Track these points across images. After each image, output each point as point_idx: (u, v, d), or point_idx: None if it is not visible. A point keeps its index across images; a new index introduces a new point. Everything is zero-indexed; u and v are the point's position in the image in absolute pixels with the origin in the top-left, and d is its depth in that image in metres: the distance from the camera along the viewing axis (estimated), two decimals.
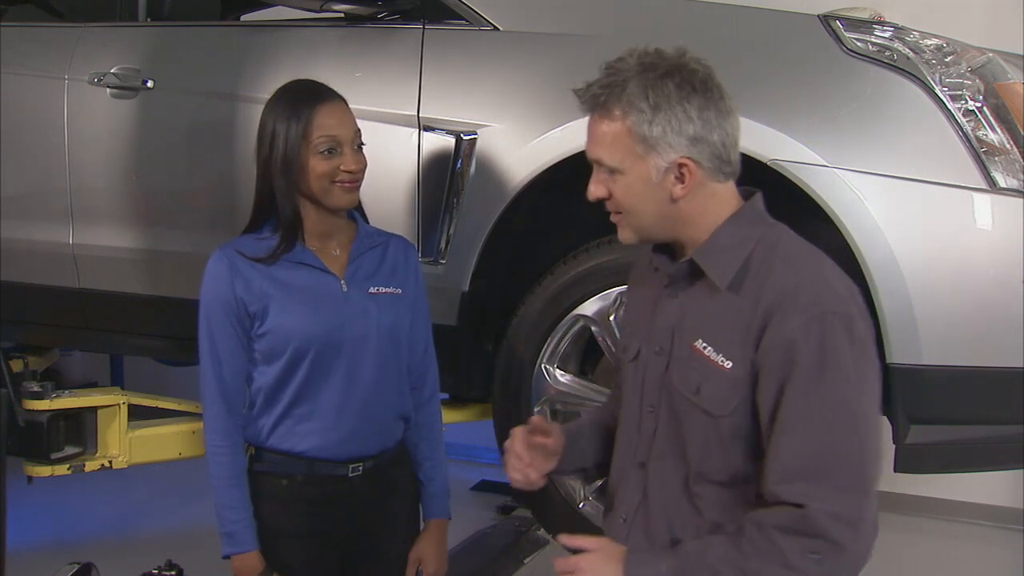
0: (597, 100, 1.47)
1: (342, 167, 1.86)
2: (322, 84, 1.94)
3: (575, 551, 1.49)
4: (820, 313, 1.37)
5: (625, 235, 1.53)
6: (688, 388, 1.48)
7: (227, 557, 1.88)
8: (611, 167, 1.47)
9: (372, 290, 1.93)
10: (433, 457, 2.07)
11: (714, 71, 1.47)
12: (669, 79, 1.43)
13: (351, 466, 1.92)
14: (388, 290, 1.95)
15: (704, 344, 1.46)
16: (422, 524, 2.09)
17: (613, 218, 1.53)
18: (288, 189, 1.86)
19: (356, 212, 2.00)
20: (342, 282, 1.91)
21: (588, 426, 1.78)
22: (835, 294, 1.40)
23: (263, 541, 1.89)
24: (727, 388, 1.43)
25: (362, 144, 1.91)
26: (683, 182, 1.45)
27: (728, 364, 1.43)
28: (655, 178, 1.45)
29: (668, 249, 1.55)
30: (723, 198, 1.49)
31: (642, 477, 1.56)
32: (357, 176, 1.88)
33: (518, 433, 1.66)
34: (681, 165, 1.44)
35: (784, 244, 1.47)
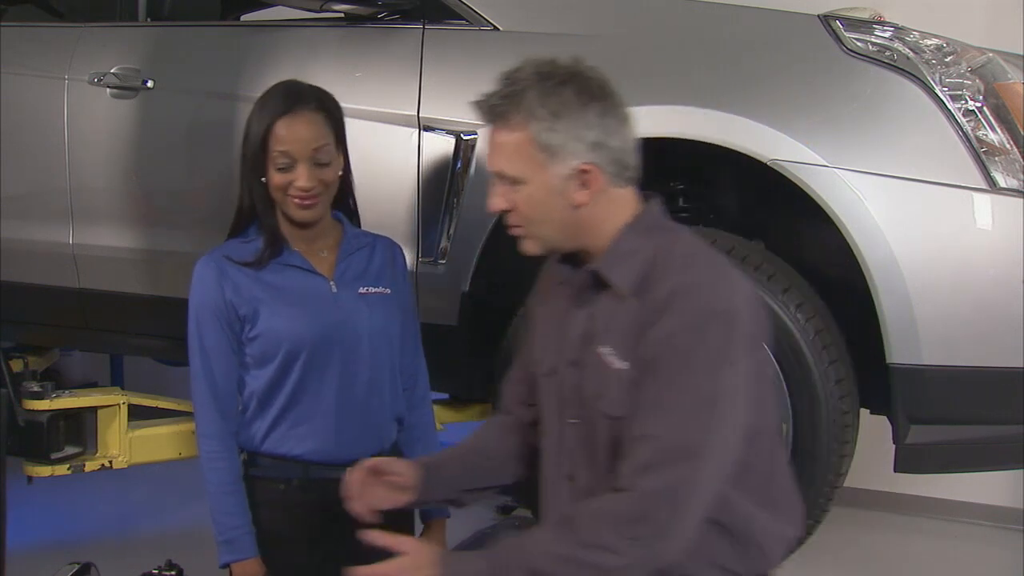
0: (496, 111, 1.47)
1: (294, 183, 1.83)
2: (301, 90, 1.90)
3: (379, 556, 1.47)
4: (701, 311, 1.38)
5: (529, 246, 1.52)
6: (593, 395, 1.48)
7: (225, 565, 1.87)
8: (513, 177, 1.47)
9: (362, 290, 1.93)
10: None
11: (608, 79, 1.48)
12: (567, 87, 1.44)
13: (348, 469, 1.91)
14: (377, 290, 1.95)
15: (607, 350, 1.46)
16: (417, 524, 2.07)
17: (514, 231, 1.53)
18: (262, 194, 1.86)
19: (341, 213, 1.99)
20: (331, 283, 1.91)
21: (451, 457, 1.76)
22: (721, 294, 1.40)
23: (261, 547, 1.88)
24: (624, 390, 1.43)
25: (324, 163, 1.85)
26: (586, 188, 1.45)
27: (624, 366, 1.43)
28: (557, 186, 1.45)
29: (572, 259, 1.54)
30: (623, 203, 1.50)
31: (571, 489, 1.56)
32: (311, 193, 1.85)
33: (357, 469, 1.66)
34: (583, 171, 1.44)
35: (681, 247, 1.47)
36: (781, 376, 2.23)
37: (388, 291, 1.96)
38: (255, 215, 1.89)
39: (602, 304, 1.49)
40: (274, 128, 1.83)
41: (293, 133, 1.84)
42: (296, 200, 1.85)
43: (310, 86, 1.93)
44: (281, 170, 1.83)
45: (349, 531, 1.92)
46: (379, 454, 1.95)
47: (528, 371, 1.68)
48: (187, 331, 1.89)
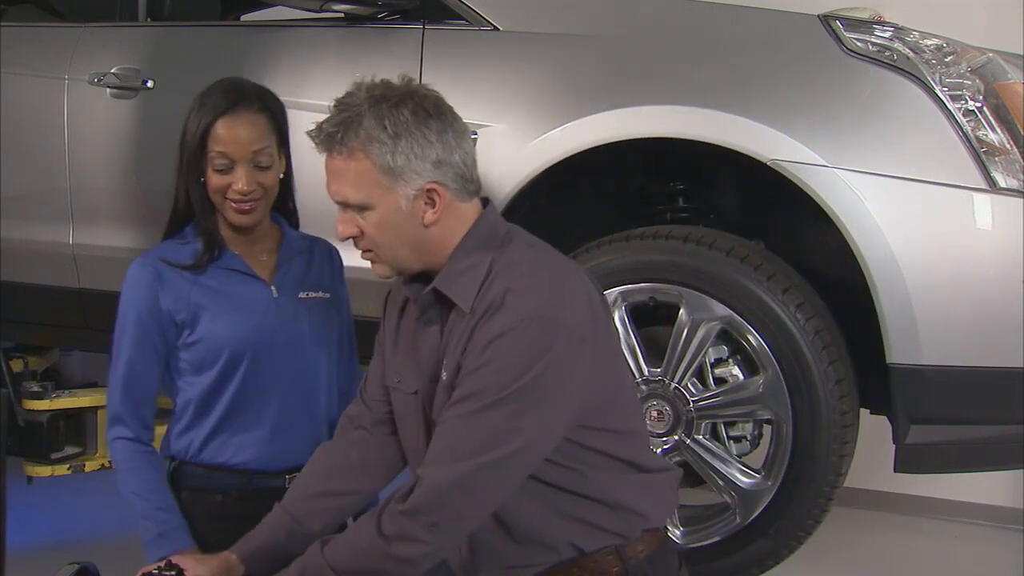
0: (334, 139, 1.45)
1: (233, 186, 1.78)
2: (244, 88, 1.85)
3: None
4: (518, 318, 1.38)
5: (381, 271, 1.53)
6: (431, 404, 1.51)
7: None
8: (359, 204, 1.47)
9: (302, 296, 1.89)
10: None
11: (442, 96, 1.49)
12: (404, 106, 1.44)
13: (287, 476, 1.87)
14: (317, 295, 1.92)
15: (447, 362, 1.48)
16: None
17: (364, 256, 1.53)
18: (199, 194, 1.81)
19: (279, 216, 1.94)
20: (272, 288, 1.87)
21: (284, 525, 1.68)
22: (538, 299, 1.40)
23: None
24: (445, 394, 1.46)
25: (264, 166, 1.81)
26: (434, 206, 1.46)
27: (446, 375, 1.46)
28: (405, 207, 1.45)
29: (419, 278, 1.55)
30: (467, 217, 1.50)
31: None
32: (250, 197, 1.80)
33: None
34: (430, 190, 1.45)
35: (512, 254, 1.48)
36: (781, 376, 2.23)
37: (327, 296, 1.93)
38: (191, 216, 1.83)
39: (449, 320, 1.50)
40: (214, 128, 1.77)
41: (233, 134, 1.78)
42: (234, 204, 1.80)
43: (254, 84, 1.88)
44: (219, 171, 1.78)
45: None
46: None
47: (383, 385, 1.67)
48: (114, 333, 1.83)
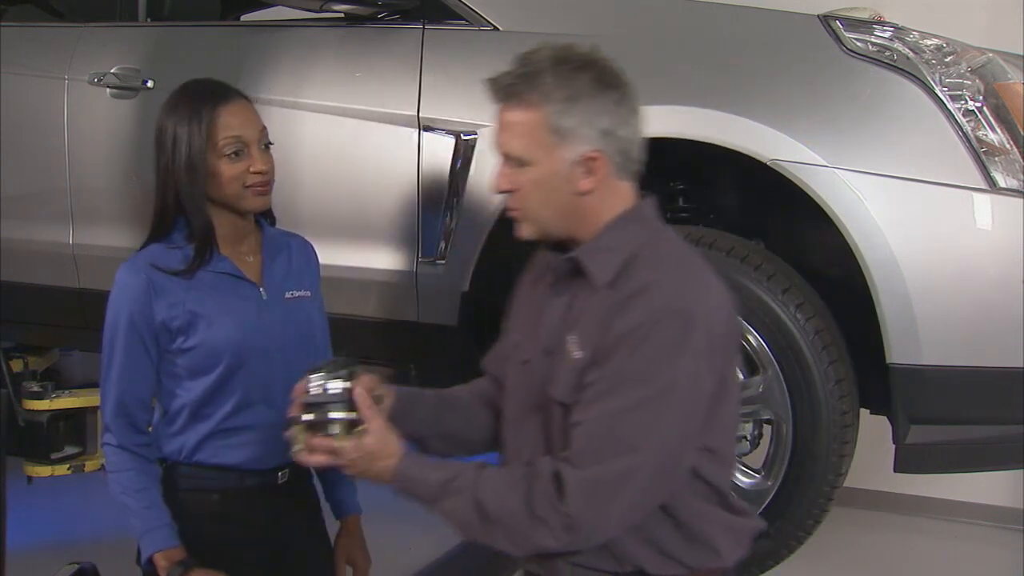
0: (510, 91, 1.46)
1: (251, 168, 1.78)
2: (223, 83, 1.86)
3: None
4: (660, 308, 1.37)
5: (524, 230, 1.52)
6: (547, 380, 1.49)
7: (149, 561, 1.77)
8: (520, 158, 1.46)
9: (288, 295, 1.89)
10: None
11: (623, 70, 1.48)
12: (584, 72, 1.43)
13: (279, 473, 1.88)
14: (299, 294, 1.91)
15: (573, 338, 1.46)
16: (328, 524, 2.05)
17: (512, 214, 1.52)
18: (197, 197, 1.78)
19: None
20: (261, 289, 1.86)
21: (433, 396, 1.72)
22: (683, 295, 1.40)
23: (206, 562, 1.80)
24: (574, 376, 1.43)
25: (269, 143, 1.83)
26: (591, 175, 1.45)
27: (580, 355, 1.44)
28: (563, 171, 1.44)
29: (560, 247, 1.54)
30: (620, 197, 1.49)
31: None
32: (267, 177, 1.81)
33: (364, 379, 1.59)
34: (590, 158, 1.44)
35: (662, 246, 1.47)
36: (781, 376, 2.24)
37: (308, 294, 1.93)
38: (182, 220, 1.81)
39: (580, 293, 1.48)
40: (219, 117, 1.77)
41: (241, 117, 1.79)
42: (256, 188, 1.80)
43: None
44: (233, 160, 1.78)
45: (277, 536, 1.91)
46: None
47: (505, 354, 1.67)
48: (103, 337, 1.81)
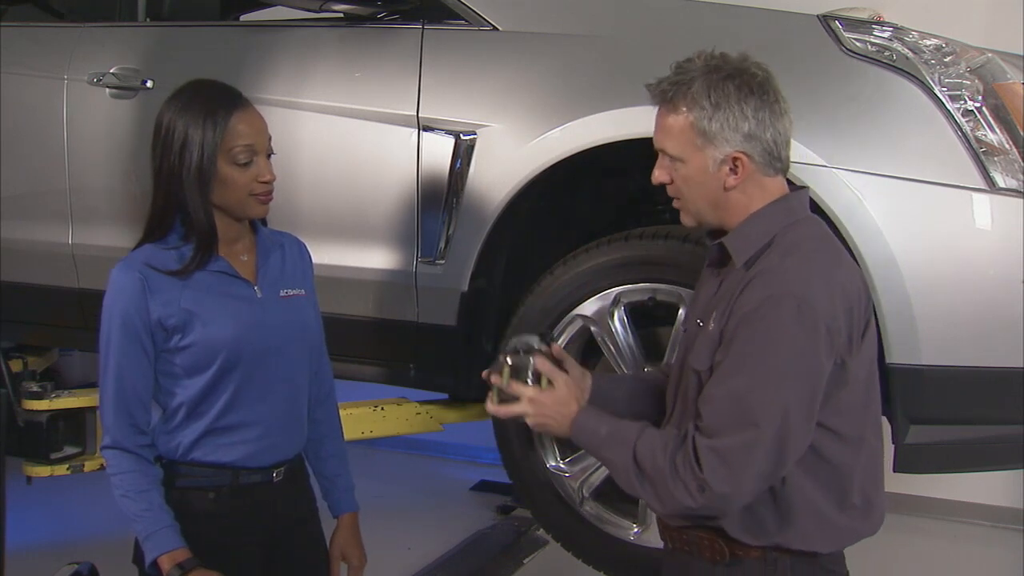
0: (665, 95, 1.62)
1: (259, 178, 1.79)
2: (232, 87, 1.86)
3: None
4: (778, 293, 1.50)
5: (684, 219, 1.69)
6: (688, 349, 1.67)
7: (152, 563, 1.76)
8: (673, 156, 1.62)
9: (282, 294, 1.90)
10: (338, 452, 2.06)
11: (773, 75, 1.62)
12: (730, 81, 1.58)
13: (274, 471, 1.88)
14: (294, 292, 1.92)
15: (714, 314, 1.61)
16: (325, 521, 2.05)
17: (675, 204, 1.69)
18: (204, 201, 1.78)
19: None
20: (256, 288, 1.86)
21: (619, 379, 1.91)
22: (804, 279, 1.52)
23: (203, 561, 1.79)
24: (708, 348, 1.60)
25: (272, 153, 1.84)
26: (736, 173, 1.60)
27: (712, 328, 1.60)
28: (711, 168, 1.60)
29: (718, 233, 1.69)
30: (770, 191, 1.63)
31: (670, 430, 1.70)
32: (272, 186, 1.82)
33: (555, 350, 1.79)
34: (735, 159, 1.59)
35: (797, 234, 1.60)
36: None
37: (302, 292, 1.94)
38: (182, 222, 1.81)
39: (728, 276, 1.64)
40: (232, 124, 1.77)
41: (253, 125, 1.80)
42: (262, 196, 1.81)
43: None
44: (243, 165, 1.78)
45: (273, 533, 1.91)
46: (296, 454, 1.95)
47: None
48: (99, 338, 1.80)
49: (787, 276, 1.52)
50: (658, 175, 1.66)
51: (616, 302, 2.42)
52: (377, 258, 2.61)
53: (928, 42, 2.21)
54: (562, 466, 2.58)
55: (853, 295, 1.56)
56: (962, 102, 2.13)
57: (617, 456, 1.61)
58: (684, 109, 1.59)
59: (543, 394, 1.68)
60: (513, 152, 2.42)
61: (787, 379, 1.50)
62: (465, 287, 2.53)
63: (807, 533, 1.60)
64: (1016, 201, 2.12)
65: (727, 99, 1.57)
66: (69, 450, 2.86)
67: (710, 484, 1.50)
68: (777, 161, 1.62)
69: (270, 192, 1.83)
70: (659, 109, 1.65)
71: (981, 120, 2.13)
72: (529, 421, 1.70)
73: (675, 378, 1.74)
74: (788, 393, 1.50)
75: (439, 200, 2.52)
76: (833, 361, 1.52)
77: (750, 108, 1.58)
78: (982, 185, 2.11)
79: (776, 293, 1.50)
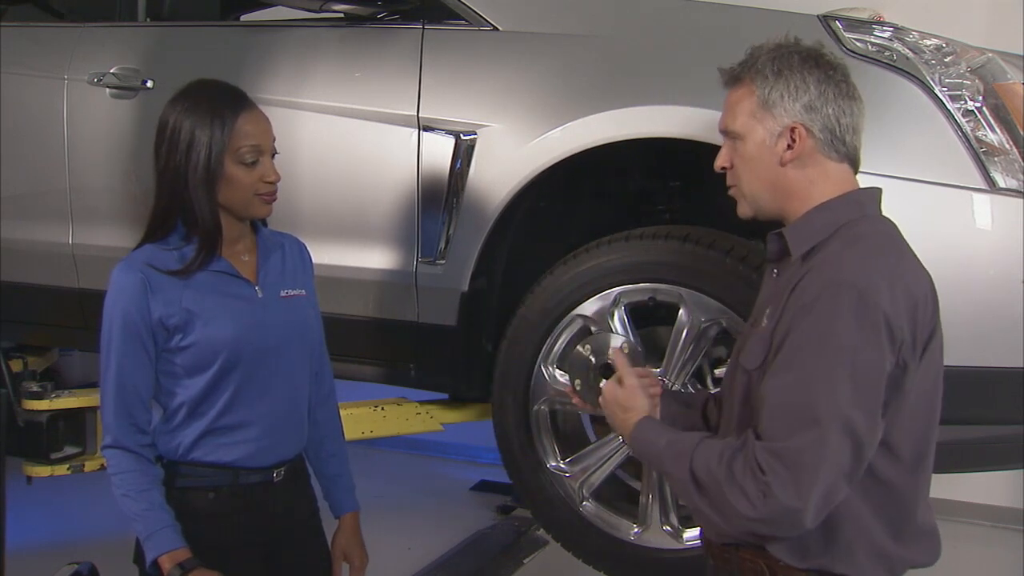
0: (733, 74, 1.60)
1: (264, 178, 1.80)
2: (238, 88, 1.87)
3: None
4: (837, 282, 1.41)
5: (741, 209, 1.62)
6: (742, 350, 1.58)
7: (153, 562, 1.76)
8: (734, 132, 1.57)
9: (283, 294, 1.90)
10: (339, 452, 2.06)
11: (847, 66, 1.58)
12: (796, 53, 1.55)
13: (275, 471, 1.89)
14: (294, 292, 1.92)
15: (768, 310, 1.54)
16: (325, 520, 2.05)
17: (731, 192, 1.62)
18: (210, 200, 1.79)
19: None
20: (257, 288, 1.87)
21: (704, 397, 1.83)
22: (864, 272, 1.42)
23: (203, 561, 1.79)
24: (760, 345, 1.51)
25: (276, 153, 1.85)
26: (793, 147, 1.53)
27: (765, 323, 1.52)
28: (768, 142, 1.54)
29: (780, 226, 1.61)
30: (833, 180, 1.55)
31: (723, 428, 1.66)
32: (276, 186, 1.83)
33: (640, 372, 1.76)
34: (793, 129, 1.52)
35: (865, 227, 1.52)
36: None
37: (303, 293, 1.94)
38: (185, 221, 1.81)
39: (786, 269, 1.57)
40: (239, 124, 1.78)
41: (260, 126, 1.81)
42: (265, 196, 1.82)
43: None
44: (249, 165, 1.79)
45: (273, 532, 1.91)
46: (297, 454, 1.96)
47: None
48: (100, 338, 1.80)
49: (848, 266, 1.43)
50: (719, 160, 1.61)
51: (616, 302, 2.42)
52: (377, 258, 2.62)
53: (928, 42, 2.21)
54: (562, 466, 2.58)
55: (920, 296, 1.47)
56: (962, 102, 2.13)
57: (676, 469, 1.50)
58: (747, 80, 1.56)
59: (612, 390, 1.68)
60: (513, 152, 2.42)
61: (846, 373, 1.38)
62: (465, 287, 2.53)
63: (855, 559, 1.49)
64: (1016, 201, 2.12)
65: (790, 68, 1.53)
66: (69, 450, 2.86)
67: (772, 489, 1.37)
68: (840, 143, 1.54)
69: (274, 192, 1.84)
70: (728, 93, 1.60)
71: (981, 120, 2.13)
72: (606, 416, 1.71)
73: (727, 382, 1.66)
74: (848, 388, 1.38)
75: (439, 200, 2.52)
76: (894, 362, 1.42)
77: (813, 79, 1.52)
78: (982, 185, 2.11)
79: (835, 282, 1.41)
